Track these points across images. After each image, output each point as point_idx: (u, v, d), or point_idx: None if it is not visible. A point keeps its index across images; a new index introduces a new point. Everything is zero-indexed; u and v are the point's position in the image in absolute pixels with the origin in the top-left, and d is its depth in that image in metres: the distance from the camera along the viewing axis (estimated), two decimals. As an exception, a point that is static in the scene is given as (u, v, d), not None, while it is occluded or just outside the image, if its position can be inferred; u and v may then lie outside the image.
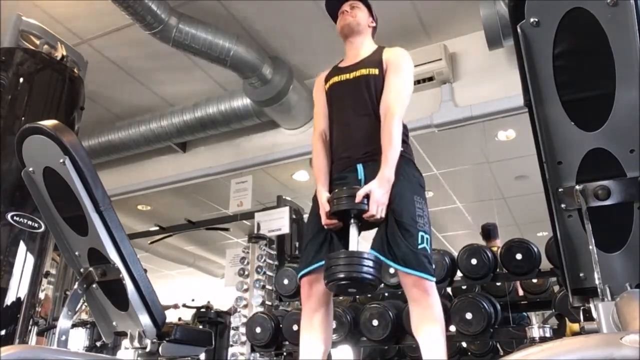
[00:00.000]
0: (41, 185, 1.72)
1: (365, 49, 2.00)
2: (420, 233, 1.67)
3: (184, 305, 5.60)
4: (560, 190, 1.31)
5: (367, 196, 1.65)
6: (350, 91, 1.91)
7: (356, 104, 1.88)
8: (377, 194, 1.65)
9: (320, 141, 1.94)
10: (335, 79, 1.97)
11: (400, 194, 1.70)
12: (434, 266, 1.71)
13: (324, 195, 1.77)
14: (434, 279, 1.67)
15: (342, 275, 1.55)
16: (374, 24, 2.09)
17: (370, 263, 1.57)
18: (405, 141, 1.84)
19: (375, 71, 1.89)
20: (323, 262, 1.69)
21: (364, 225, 1.72)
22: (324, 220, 1.74)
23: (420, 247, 1.65)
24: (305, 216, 4.97)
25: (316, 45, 4.12)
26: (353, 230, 1.67)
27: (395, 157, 1.71)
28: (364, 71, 1.90)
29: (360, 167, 1.80)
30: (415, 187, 1.77)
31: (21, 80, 2.86)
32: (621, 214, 1.27)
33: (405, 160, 1.79)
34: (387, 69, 1.89)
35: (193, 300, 5.50)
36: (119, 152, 5.15)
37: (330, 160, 1.90)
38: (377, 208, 1.64)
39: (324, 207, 1.73)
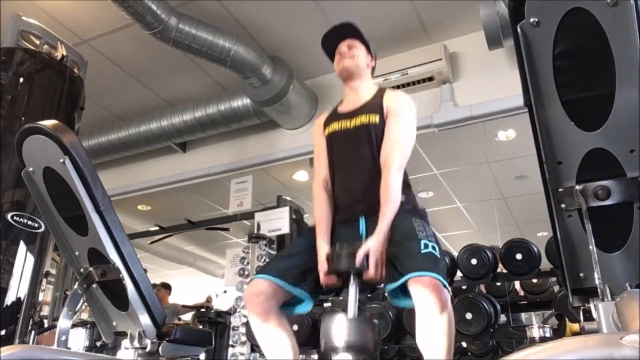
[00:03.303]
0: (41, 185, 1.72)
1: (365, 91, 1.92)
2: (423, 241, 1.55)
3: (201, 308, 5.62)
4: (560, 190, 1.31)
5: (367, 255, 1.57)
6: (350, 141, 1.84)
7: (357, 154, 1.82)
8: (375, 254, 1.57)
9: (322, 189, 1.86)
10: (335, 125, 1.89)
11: (398, 225, 1.63)
12: (446, 277, 1.51)
13: (323, 250, 1.68)
14: (446, 282, 1.46)
15: (341, 345, 1.48)
16: (373, 64, 2.00)
17: (370, 332, 1.51)
18: (407, 189, 1.77)
19: (376, 118, 1.81)
20: (288, 286, 1.63)
21: (362, 285, 1.63)
22: (322, 278, 1.65)
23: (424, 252, 1.52)
24: (306, 216, 4.97)
25: (316, 45, 4.06)
26: (352, 290, 1.59)
27: (392, 211, 1.65)
28: (364, 119, 1.82)
29: (362, 220, 1.74)
30: (415, 217, 1.68)
31: (21, 80, 2.86)
32: (621, 214, 1.27)
33: (405, 210, 1.70)
34: (388, 115, 1.81)
35: (225, 292, 5.46)
36: (119, 152, 5.15)
37: (332, 209, 1.83)
38: (377, 269, 1.56)
39: (322, 265, 1.64)
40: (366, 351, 1.51)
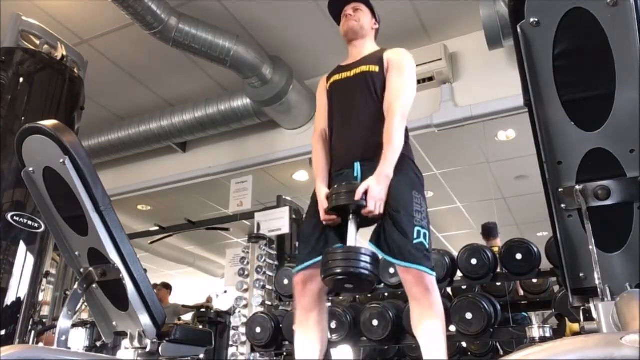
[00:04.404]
0: (41, 185, 1.72)
1: (367, 48, 2.02)
2: (417, 228, 1.66)
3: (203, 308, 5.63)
4: (560, 190, 1.31)
5: (365, 192, 1.64)
6: (350, 88, 1.92)
7: (356, 101, 1.88)
8: (375, 190, 1.64)
9: (321, 140, 1.95)
10: (337, 77, 1.99)
11: (398, 189, 1.69)
12: (433, 263, 1.69)
13: (322, 191, 1.77)
14: (434, 274, 1.65)
15: (339, 270, 1.53)
16: (376, 26, 2.10)
17: (368, 259, 1.55)
18: (405, 141, 1.83)
19: (376, 68, 1.89)
20: (319, 259, 1.68)
21: (362, 221, 1.72)
22: (322, 215, 1.73)
23: (416, 241, 1.63)
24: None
25: (316, 45, 4.12)
26: (351, 226, 1.67)
27: (394, 155, 1.71)
28: (364, 68, 1.91)
29: (357, 165, 1.80)
30: (414, 184, 1.76)
31: (21, 80, 2.86)
32: (621, 214, 1.27)
33: (405, 159, 1.78)
34: (389, 67, 1.89)
35: (225, 292, 5.48)
36: (119, 152, 5.15)
37: (329, 158, 1.91)
38: (376, 204, 1.64)
39: (323, 203, 1.73)
40: (364, 278, 1.55)
